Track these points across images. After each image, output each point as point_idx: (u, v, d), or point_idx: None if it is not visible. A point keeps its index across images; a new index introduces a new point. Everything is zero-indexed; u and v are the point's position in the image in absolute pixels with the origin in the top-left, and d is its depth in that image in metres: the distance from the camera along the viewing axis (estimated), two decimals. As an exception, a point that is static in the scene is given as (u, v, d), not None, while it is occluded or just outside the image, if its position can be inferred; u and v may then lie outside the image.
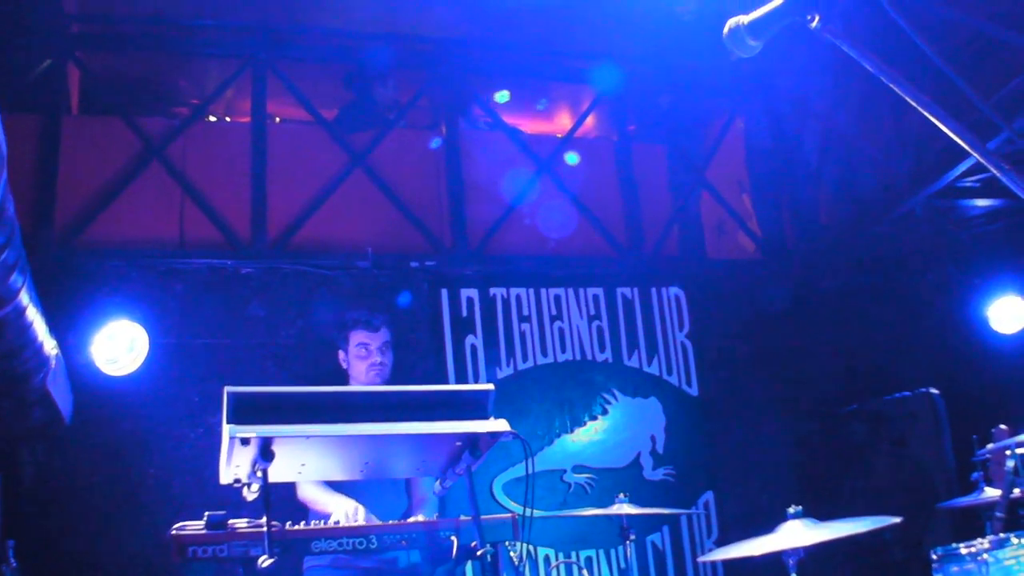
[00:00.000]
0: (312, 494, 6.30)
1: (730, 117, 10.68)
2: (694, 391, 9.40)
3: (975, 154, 2.10)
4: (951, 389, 9.12)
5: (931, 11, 7.87)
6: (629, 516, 6.77)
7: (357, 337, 6.78)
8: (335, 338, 7.00)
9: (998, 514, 6.72)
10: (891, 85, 2.27)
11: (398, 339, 7.19)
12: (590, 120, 10.47)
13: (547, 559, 8.42)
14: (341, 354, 6.91)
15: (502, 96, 10.33)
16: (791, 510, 5.95)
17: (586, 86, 10.45)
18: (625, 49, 9.97)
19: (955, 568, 6.11)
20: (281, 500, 6.05)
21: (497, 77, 10.28)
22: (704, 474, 9.24)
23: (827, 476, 9.33)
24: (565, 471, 8.76)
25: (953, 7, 8.01)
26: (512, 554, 5.09)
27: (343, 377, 6.89)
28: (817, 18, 2.52)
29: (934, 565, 6.21)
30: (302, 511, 6.30)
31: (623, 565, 8.15)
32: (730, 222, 10.41)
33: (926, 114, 2.22)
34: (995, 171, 2.07)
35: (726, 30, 2.71)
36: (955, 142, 7.29)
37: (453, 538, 4.93)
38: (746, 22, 2.67)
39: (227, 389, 3.98)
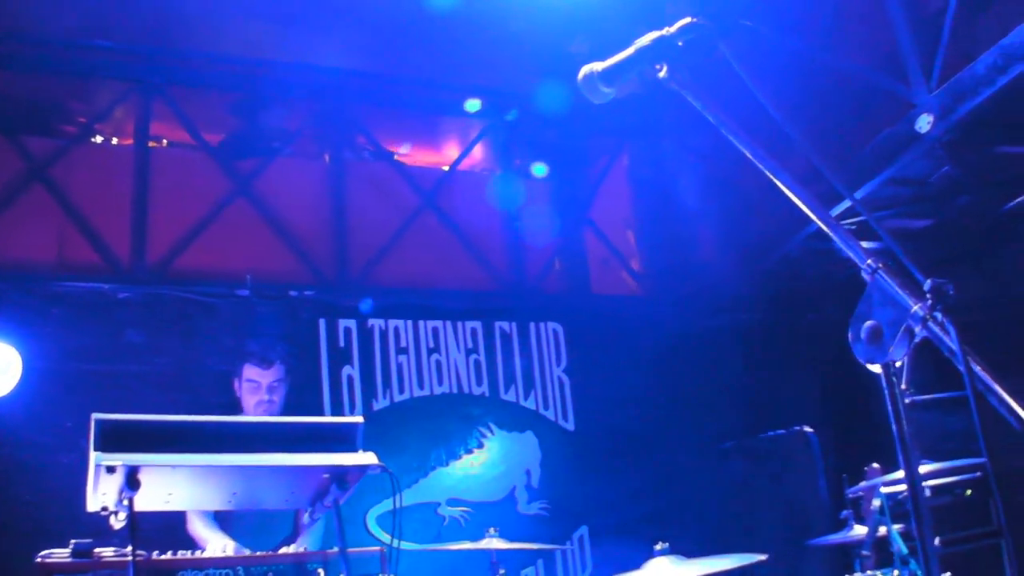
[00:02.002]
0: (195, 528, 6.25)
1: (616, 154, 10.81)
2: (571, 426, 9.45)
3: (815, 218, 2.16)
4: (830, 427, 9.29)
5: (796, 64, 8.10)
6: (500, 551, 6.80)
7: (249, 372, 6.72)
8: (231, 366, 6.96)
9: (864, 552, 6.90)
10: (735, 142, 2.34)
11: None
12: (478, 153, 10.54)
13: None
14: (236, 382, 6.86)
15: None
16: (658, 547, 6.03)
17: (474, 119, 10.50)
18: (515, 84, 10.04)
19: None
20: (170, 529, 6.03)
21: (385, 108, 10.26)
22: (579, 509, 9.26)
23: (703, 512, 9.43)
24: (440, 504, 8.76)
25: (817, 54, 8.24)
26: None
27: (235, 404, 6.84)
28: (665, 68, 2.59)
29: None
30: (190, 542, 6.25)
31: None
32: (613, 259, 10.52)
33: (769, 175, 2.29)
34: (834, 236, 2.14)
35: (580, 76, 2.77)
36: (834, 181, 7.48)
37: (320, 571, 4.93)
38: (599, 69, 2.73)
39: (94, 416, 3.97)
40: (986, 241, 9.77)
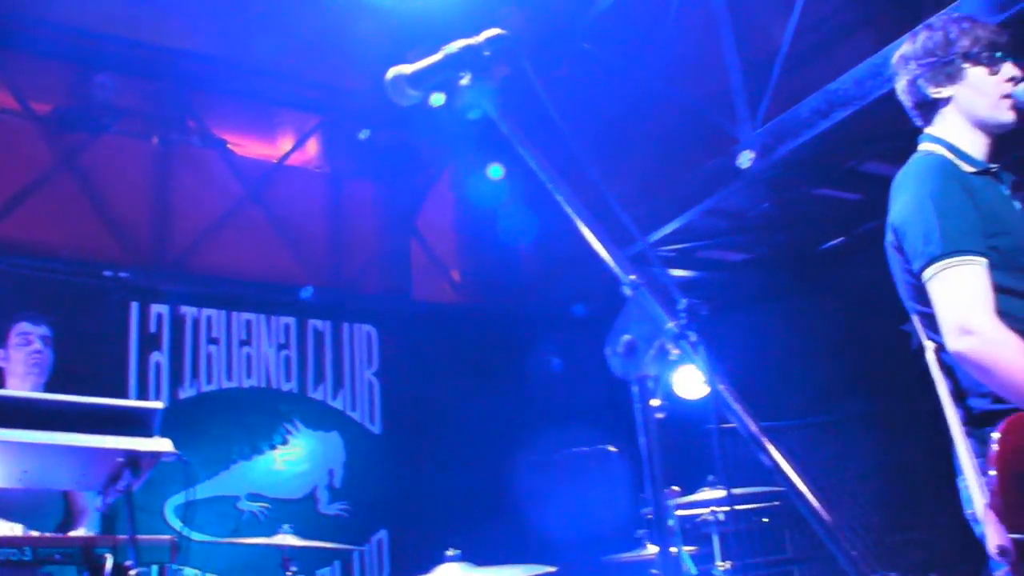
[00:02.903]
0: None
1: (444, 163, 10.86)
2: (377, 429, 9.46)
3: (584, 230, 2.20)
4: (635, 447, 9.42)
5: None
6: (293, 548, 6.75)
7: (19, 328, 6.55)
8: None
9: (654, 571, 7.04)
10: (524, 155, 2.38)
11: (82, 349, 6.99)
12: (312, 149, 10.50)
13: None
14: (1, 352, 6.67)
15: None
16: (449, 553, 6.07)
17: (311, 115, 10.45)
18: (352, 84, 10.02)
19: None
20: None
21: (221, 95, 10.15)
22: (380, 512, 9.26)
23: (504, 522, 9.47)
24: (240, 498, 8.66)
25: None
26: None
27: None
28: (468, 76, 2.63)
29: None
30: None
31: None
32: (434, 266, 10.56)
33: (550, 187, 2.33)
34: (598, 249, 2.19)
35: (388, 76, 2.78)
36: (654, 209, 7.62)
37: (108, 556, 4.84)
38: (407, 72, 2.74)
39: None
40: (799, 279, 10.03)
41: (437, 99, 2.48)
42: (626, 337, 2.05)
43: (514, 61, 2.61)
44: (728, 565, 7.14)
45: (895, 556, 9.80)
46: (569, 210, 2.28)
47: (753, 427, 1.93)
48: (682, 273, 10.01)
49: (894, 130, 4.09)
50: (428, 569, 6.20)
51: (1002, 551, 3.13)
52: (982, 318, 3.40)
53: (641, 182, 9.00)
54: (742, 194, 8.18)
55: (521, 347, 10.20)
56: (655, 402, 2.06)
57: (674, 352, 1.98)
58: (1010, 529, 3.13)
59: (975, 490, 3.37)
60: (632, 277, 2.10)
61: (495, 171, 8.90)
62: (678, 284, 10.19)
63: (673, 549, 6.83)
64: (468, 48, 2.64)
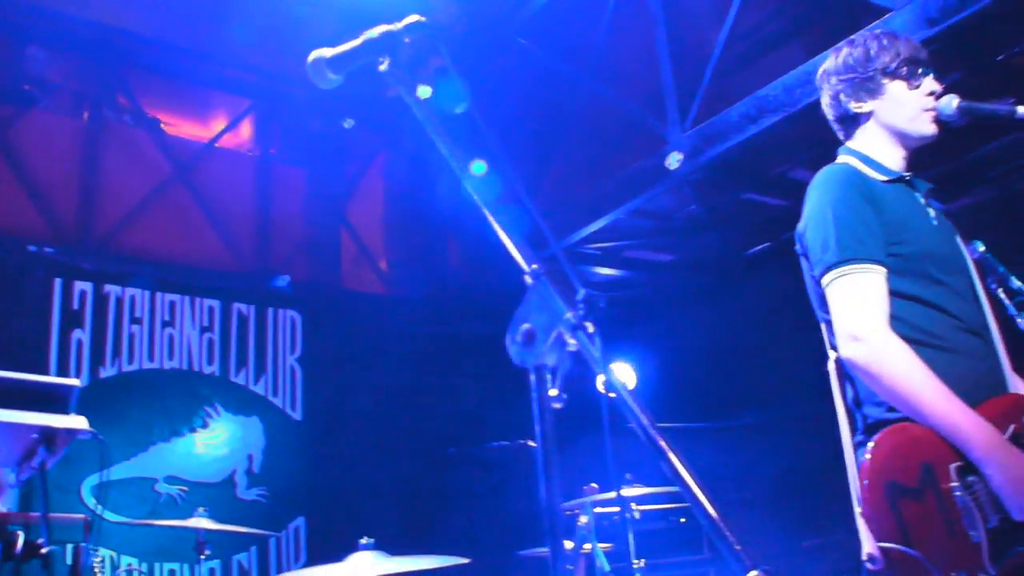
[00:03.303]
0: None
1: (375, 153, 10.85)
2: (298, 415, 9.43)
3: (490, 218, 2.21)
4: (556, 443, 9.44)
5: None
6: (209, 531, 6.72)
7: None
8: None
9: (569, 566, 7.08)
10: (436, 142, 2.38)
11: (3, 324, 6.92)
12: (246, 132, 10.44)
13: (129, 568, 8.22)
14: None
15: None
16: (363, 541, 6.05)
17: (245, 99, 10.39)
18: (287, 69, 9.97)
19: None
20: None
21: (154, 74, 10.05)
22: (298, 499, 9.22)
23: (421, 513, 9.48)
24: (158, 480, 8.58)
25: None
26: (96, 559, 5.00)
27: None
28: (387, 62, 2.63)
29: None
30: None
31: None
32: (363, 256, 10.54)
33: (459, 175, 2.34)
34: (501, 237, 2.21)
35: (310, 59, 2.79)
36: (582, 205, 7.64)
37: (20, 533, 4.81)
38: (328, 56, 2.75)
39: None
40: (724, 282, 10.11)
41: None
42: (525, 326, 2.06)
43: (434, 50, 2.62)
44: (642, 563, 7.19)
45: (812, 560, 9.92)
46: (476, 198, 2.30)
47: (643, 417, 1.95)
48: (608, 271, 10.06)
49: (822, 138, 4.13)
50: (342, 557, 6.19)
51: (871, 559, 3.19)
52: (872, 326, 3.46)
53: (571, 179, 9.04)
54: (670, 195, 8.25)
55: (447, 340, 10.20)
56: (552, 392, 2.08)
57: (571, 342, 2.00)
58: (878, 537, 3.20)
59: (856, 500, 3.43)
60: (534, 266, 2.11)
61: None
62: (604, 283, 10.29)
63: (587, 545, 6.94)
64: (387, 34, 2.65)
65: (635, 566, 7.27)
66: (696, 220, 8.93)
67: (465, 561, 6.20)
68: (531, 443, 9.27)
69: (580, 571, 7.13)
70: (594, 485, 7.24)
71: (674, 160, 7.65)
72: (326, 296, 10.08)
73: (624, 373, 10.46)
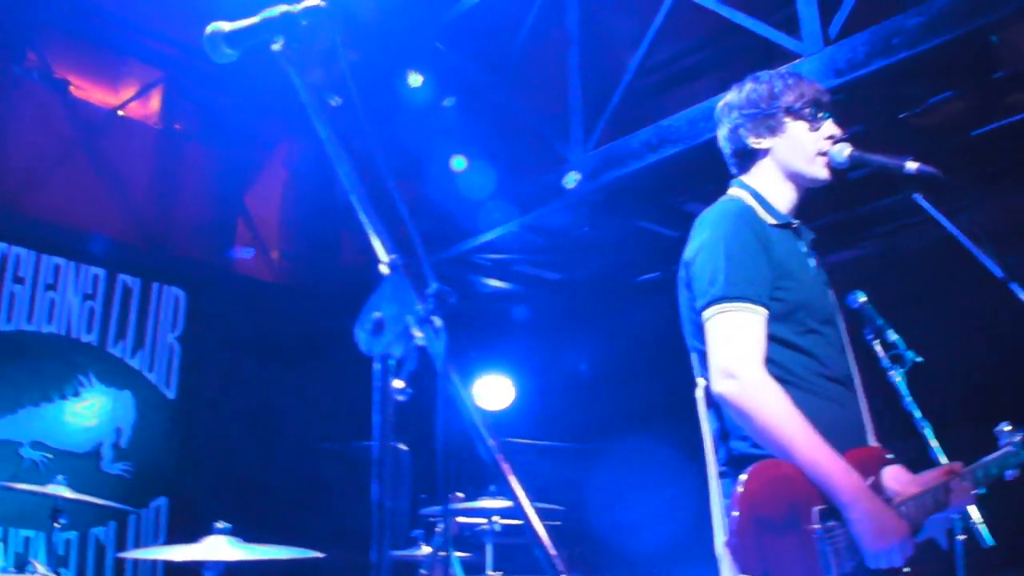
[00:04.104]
0: None
1: (280, 137, 10.78)
2: (172, 394, 9.30)
3: (357, 207, 2.21)
4: (428, 448, 9.44)
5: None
6: (65, 500, 6.59)
7: None
8: None
9: (423, 571, 7.10)
10: (318, 128, 2.38)
11: None
12: (155, 103, 10.32)
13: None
14: None
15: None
16: (219, 525, 6.01)
17: (156, 69, 10.27)
18: (201, 44, 9.84)
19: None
20: None
21: (67, 36, 9.89)
22: (163, 478, 9.10)
23: (286, 505, 9.38)
24: (23, 444, 8.41)
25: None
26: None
27: None
28: (281, 42, 2.63)
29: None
30: None
31: (61, 552, 7.99)
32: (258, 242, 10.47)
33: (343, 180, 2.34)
34: (366, 226, 2.21)
35: (207, 31, 2.78)
36: (476, 214, 7.64)
37: None
38: (226, 30, 2.74)
39: None
40: (610, 307, 10.18)
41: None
42: (375, 315, 2.07)
43: (329, 36, 2.61)
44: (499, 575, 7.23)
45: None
46: (347, 185, 2.30)
47: (479, 424, 1.96)
48: (497, 284, 10.08)
49: (720, 174, 4.18)
50: (198, 539, 6.14)
51: None
52: (748, 364, 3.50)
53: (471, 185, 9.04)
54: (565, 214, 8.29)
55: (335, 334, 10.14)
56: (398, 384, 2.09)
57: (418, 335, 2.01)
58: (740, 568, 3.24)
59: (718, 529, 3.47)
60: (392, 257, 2.12)
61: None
62: (493, 295, 10.31)
63: (443, 552, 6.96)
64: (286, 14, 2.65)
65: (491, 577, 7.32)
66: (588, 242, 8.98)
67: (320, 555, 6.20)
68: (401, 446, 9.26)
69: (434, 576, 7.17)
70: (460, 494, 7.26)
71: (571, 179, 7.69)
72: (214, 278, 9.97)
73: (502, 388, 10.55)
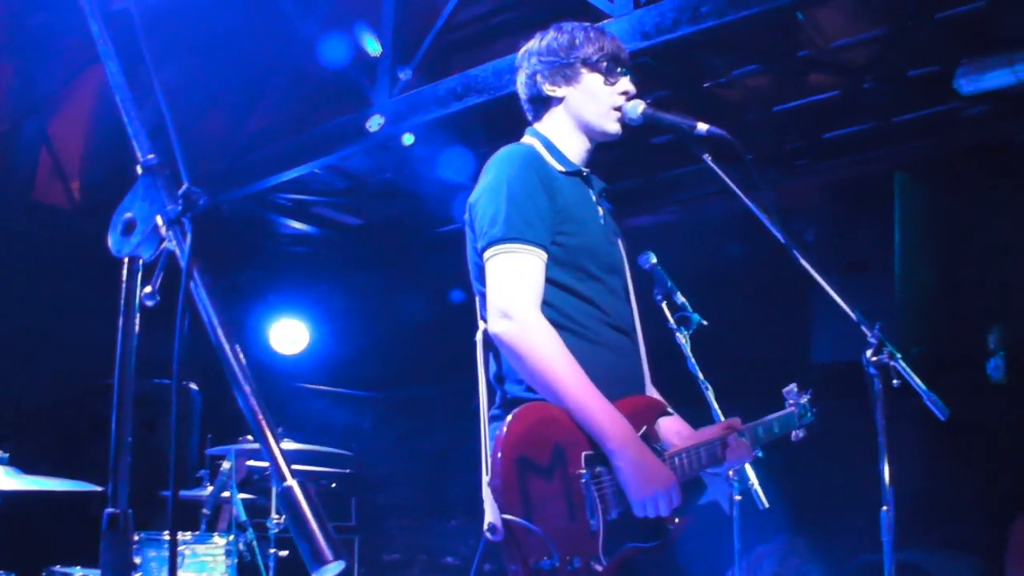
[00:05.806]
0: None
1: (92, 61, 10.47)
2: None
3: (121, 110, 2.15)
4: (221, 388, 9.34)
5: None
6: None
7: None
8: None
9: (205, 511, 7.05)
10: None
11: None
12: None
13: None
14: None
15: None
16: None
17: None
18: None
19: (153, 552, 6.36)
20: None
21: None
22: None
23: (73, 439, 9.17)
24: None
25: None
26: None
27: None
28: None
29: (134, 546, 6.36)
30: None
31: None
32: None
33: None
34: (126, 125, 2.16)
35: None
36: (278, 152, 7.49)
37: None
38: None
39: None
40: (408, 255, 10.19)
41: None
42: (127, 215, 2.02)
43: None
44: (281, 519, 7.19)
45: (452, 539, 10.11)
46: (112, 84, 2.24)
47: (230, 355, 1.91)
48: (297, 225, 9.98)
49: (523, 127, 4.19)
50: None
51: (491, 528, 3.23)
52: (524, 305, 3.53)
53: (276, 124, 8.92)
54: (366, 158, 8.25)
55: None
56: (146, 289, 2.05)
57: (168, 237, 1.97)
58: (502, 509, 3.24)
59: (485, 472, 3.47)
60: (150, 156, 2.07)
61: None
62: (293, 236, 10.22)
63: (227, 493, 6.92)
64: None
65: (274, 521, 7.29)
66: (389, 188, 8.95)
67: (99, 489, 6.11)
68: (192, 385, 9.16)
69: (216, 516, 7.15)
70: (249, 436, 7.20)
71: (375, 123, 7.64)
72: (10, 202, 9.64)
73: (297, 331, 10.48)
